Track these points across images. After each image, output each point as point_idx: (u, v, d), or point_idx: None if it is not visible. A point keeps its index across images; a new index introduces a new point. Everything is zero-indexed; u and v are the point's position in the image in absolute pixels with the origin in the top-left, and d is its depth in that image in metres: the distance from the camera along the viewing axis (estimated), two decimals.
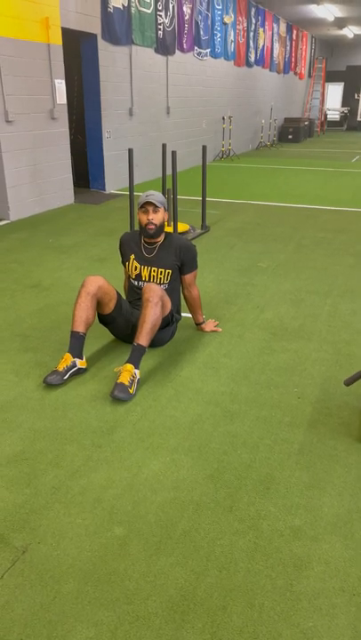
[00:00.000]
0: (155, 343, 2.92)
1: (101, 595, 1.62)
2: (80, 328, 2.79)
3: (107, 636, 1.50)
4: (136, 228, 5.40)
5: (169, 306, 2.94)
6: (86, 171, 8.33)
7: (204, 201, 5.83)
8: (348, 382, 2.42)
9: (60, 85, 6.70)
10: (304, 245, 5.35)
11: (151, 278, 3.06)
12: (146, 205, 2.95)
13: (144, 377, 2.81)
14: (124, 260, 3.17)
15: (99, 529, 1.86)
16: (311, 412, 2.54)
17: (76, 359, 2.78)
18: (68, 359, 2.76)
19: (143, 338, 2.72)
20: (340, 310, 3.73)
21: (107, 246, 5.21)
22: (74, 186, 7.44)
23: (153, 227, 2.97)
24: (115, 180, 8.37)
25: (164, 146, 5.61)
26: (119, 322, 3.02)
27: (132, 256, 3.11)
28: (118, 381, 2.62)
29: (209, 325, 3.38)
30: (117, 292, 2.97)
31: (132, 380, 2.65)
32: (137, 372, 2.70)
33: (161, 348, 3.12)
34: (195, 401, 2.63)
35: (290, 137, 17.23)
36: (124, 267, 3.20)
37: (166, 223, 3.09)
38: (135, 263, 3.09)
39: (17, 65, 5.96)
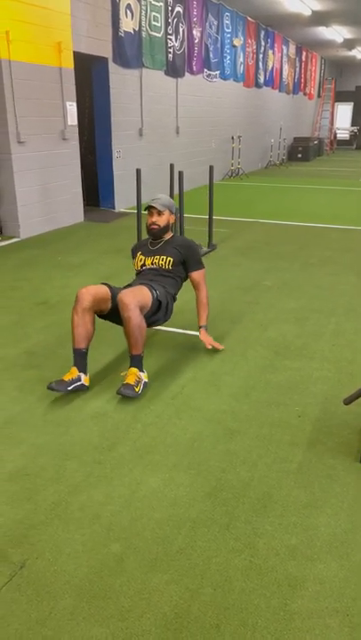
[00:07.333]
0: (150, 325, 3.04)
1: (96, 611, 1.64)
2: (81, 345, 2.87)
3: None
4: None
5: (148, 299, 2.95)
6: (96, 189, 8.48)
7: (210, 219, 5.90)
8: (348, 401, 2.42)
9: (72, 108, 6.86)
10: (310, 264, 5.38)
11: (153, 264, 3.25)
12: (150, 209, 3.25)
13: (145, 394, 2.84)
14: (133, 259, 3.41)
15: (96, 545, 1.88)
16: (311, 431, 2.55)
17: (81, 374, 2.86)
18: (74, 372, 2.84)
19: (134, 348, 2.85)
20: (344, 329, 3.75)
21: (115, 264, 5.29)
22: (84, 204, 7.57)
23: (156, 227, 3.26)
24: (124, 199, 8.49)
25: (171, 166, 5.71)
26: (116, 313, 2.97)
27: (139, 253, 3.37)
28: (125, 382, 2.78)
29: (206, 336, 3.32)
30: (109, 289, 2.99)
31: (138, 381, 2.82)
32: (142, 374, 2.87)
33: (163, 366, 3.16)
34: (195, 418, 2.66)
35: (299, 156, 17.39)
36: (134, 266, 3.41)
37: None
38: (141, 256, 3.34)
39: (30, 88, 6.13)
